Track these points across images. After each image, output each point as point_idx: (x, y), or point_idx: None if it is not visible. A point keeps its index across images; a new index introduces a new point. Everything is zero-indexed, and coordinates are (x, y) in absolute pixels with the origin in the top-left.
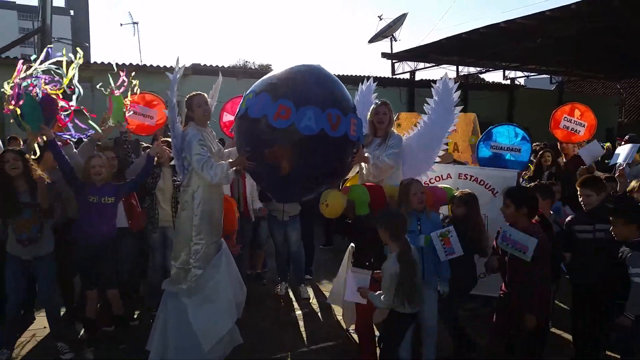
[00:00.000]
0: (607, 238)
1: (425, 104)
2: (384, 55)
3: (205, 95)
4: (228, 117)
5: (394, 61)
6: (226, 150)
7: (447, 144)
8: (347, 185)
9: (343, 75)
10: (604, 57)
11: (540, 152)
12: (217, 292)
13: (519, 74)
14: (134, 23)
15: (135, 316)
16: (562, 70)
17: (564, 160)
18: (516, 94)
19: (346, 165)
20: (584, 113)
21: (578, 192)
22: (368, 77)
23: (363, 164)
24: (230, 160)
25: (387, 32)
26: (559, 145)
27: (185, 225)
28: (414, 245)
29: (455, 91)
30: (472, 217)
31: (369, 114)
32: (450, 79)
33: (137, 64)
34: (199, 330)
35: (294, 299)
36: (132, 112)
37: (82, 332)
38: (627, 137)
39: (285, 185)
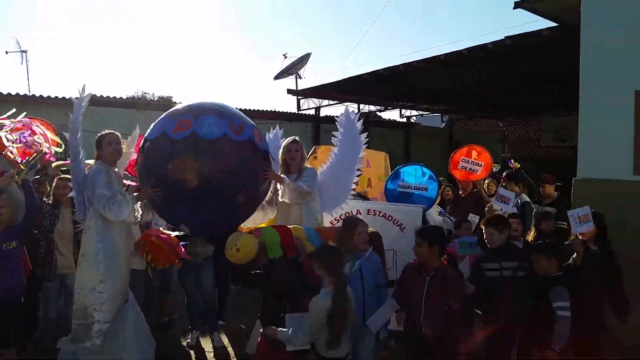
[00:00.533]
0: (512, 275)
1: (332, 137)
2: (290, 91)
3: (118, 134)
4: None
5: (299, 97)
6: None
7: (359, 176)
8: (254, 228)
9: (250, 109)
10: (488, 100)
11: (442, 187)
12: (123, 353)
13: (414, 112)
14: (21, 51)
15: None
16: (452, 109)
17: (462, 194)
18: (411, 131)
19: (258, 178)
20: (481, 154)
21: (483, 231)
22: (273, 112)
23: (279, 186)
24: (135, 194)
25: (292, 69)
26: (458, 182)
27: (87, 274)
28: (353, 291)
29: (358, 121)
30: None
31: (281, 152)
32: (351, 111)
33: (26, 94)
34: None
35: (206, 349)
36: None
37: None
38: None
39: (198, 206)
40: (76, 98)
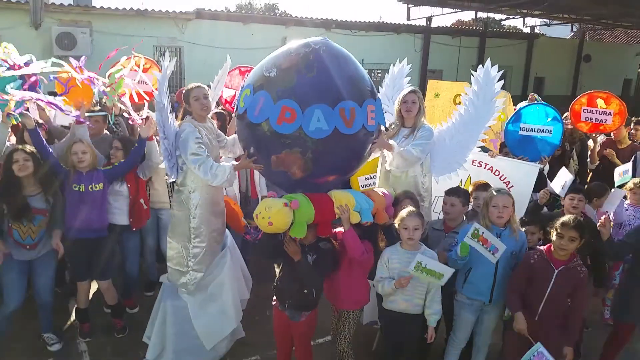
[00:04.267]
0: None
1: (462, 95)
2: None
3: (205, 87)
4: (228, 92)
5: (409, 5)
6: (230, 137)
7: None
8: (294, 200)
9: (354, 21)
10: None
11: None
12: (221, 292)
13: (539, 21)
14: None
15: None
16: (585, 18)
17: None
18: (535, 43)
19: (365, 157)
20: (609, 99)
21: None
22: (379, 23)
23: (386, 153)
24: (234, 162)
25: None
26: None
27: (181, 227)
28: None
29: (498, 80)
30: None
31: (396, 102)
32: (492, 67)
33: (139, 9)
34: (202, 331)
35: None
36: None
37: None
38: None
39: (299, 185)
40: (161, 68)
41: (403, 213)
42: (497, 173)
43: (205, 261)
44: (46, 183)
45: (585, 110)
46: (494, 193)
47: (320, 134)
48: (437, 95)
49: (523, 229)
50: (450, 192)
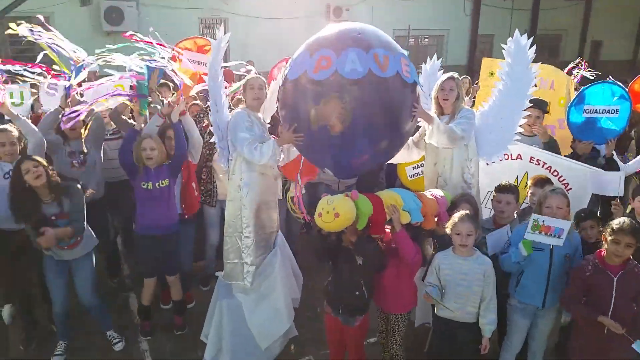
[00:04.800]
0: None
1: (497, 71)
2: None
3: (262, 79)
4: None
5: None
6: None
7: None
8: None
9: None
10: None
11: None
12: (274, 290)
13: None
14: None
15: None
16: None
17: None
18: (592, 6)
19: (406, 116)
20: None
21: None
22: None
23: (427, 126)
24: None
25: None
26: None
27: (234, 218)
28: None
29: (530, 47)
30: None
31: (434, 89)
32: (522, 35)
33: None
34: (256, 330)
35: None
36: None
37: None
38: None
39: (342, 151)
40: (215, 40)
41: (455, 217)
42: (555, 173)
43: (258, 253)
44: (56, 187)
45: None
46: (549, 193)
47: (355, 74)
48: (491, 74)
49: (576, 230)
50: (504, 190)
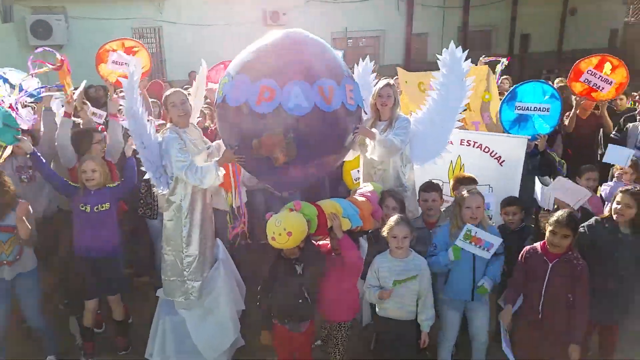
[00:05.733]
0: None
1: (432, 80)
2: None
3: (182, 92)
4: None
5: None
6: (214, 143)
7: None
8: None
9: None
10: None
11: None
12: (218, 304)
13: None
14: None
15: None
16: None
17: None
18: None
19: (349, 138)
20: (616, 69)
21: None
22: None
23: (368, 141)
24: (217, 158)
25: None
26: (575, 98)
27: (173, 237)
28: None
29: (465, 60)
30: None
31: (372, 96)
32: (457, 47)
33: None
34: (202, 346)
35: None
36: (110, 62)
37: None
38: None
39: (284, 175)
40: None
41: (392, 221)
42: (486, 150)
43: (200, 270)
44: (6, 203)
45: (589, 72)
46: (466, 194)
47: (300, 110)
48: (406, 82)
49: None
50: (428, 188)
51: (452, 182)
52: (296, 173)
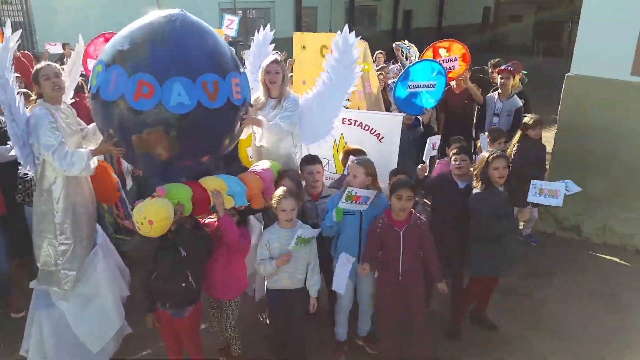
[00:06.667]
0: None
1: (324, 62)
2: None
3: (55, 65)
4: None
5: None
6: (90, 126)
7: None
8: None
9: None
10: None
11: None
12: (98, 293)
13: None
14: None
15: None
16: None
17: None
18: None
19: (235, 133)
20: (450, 47)
21: None
22: None
23: (256, 129)
24: (91, 147)
25: None
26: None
27: (44, 223)
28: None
29: (356, 47)
30: None
31: (260, 73)
32: (351, 33)
33: None
34: (84, 336)
35: None
36: None
37: None
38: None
39: (167, 168)
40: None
41: (278, 195)
42: (366, 128)
43: (76, 259)
44: None
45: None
46: (351, 164)
47: (182, 109)
48: (303, 47)
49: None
50: (311, 161)
51: (341, 155)
52: (181, 165)
